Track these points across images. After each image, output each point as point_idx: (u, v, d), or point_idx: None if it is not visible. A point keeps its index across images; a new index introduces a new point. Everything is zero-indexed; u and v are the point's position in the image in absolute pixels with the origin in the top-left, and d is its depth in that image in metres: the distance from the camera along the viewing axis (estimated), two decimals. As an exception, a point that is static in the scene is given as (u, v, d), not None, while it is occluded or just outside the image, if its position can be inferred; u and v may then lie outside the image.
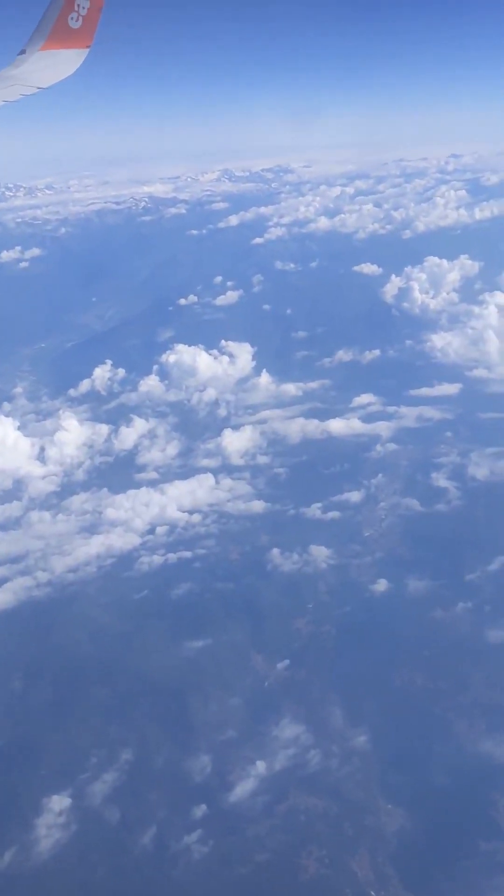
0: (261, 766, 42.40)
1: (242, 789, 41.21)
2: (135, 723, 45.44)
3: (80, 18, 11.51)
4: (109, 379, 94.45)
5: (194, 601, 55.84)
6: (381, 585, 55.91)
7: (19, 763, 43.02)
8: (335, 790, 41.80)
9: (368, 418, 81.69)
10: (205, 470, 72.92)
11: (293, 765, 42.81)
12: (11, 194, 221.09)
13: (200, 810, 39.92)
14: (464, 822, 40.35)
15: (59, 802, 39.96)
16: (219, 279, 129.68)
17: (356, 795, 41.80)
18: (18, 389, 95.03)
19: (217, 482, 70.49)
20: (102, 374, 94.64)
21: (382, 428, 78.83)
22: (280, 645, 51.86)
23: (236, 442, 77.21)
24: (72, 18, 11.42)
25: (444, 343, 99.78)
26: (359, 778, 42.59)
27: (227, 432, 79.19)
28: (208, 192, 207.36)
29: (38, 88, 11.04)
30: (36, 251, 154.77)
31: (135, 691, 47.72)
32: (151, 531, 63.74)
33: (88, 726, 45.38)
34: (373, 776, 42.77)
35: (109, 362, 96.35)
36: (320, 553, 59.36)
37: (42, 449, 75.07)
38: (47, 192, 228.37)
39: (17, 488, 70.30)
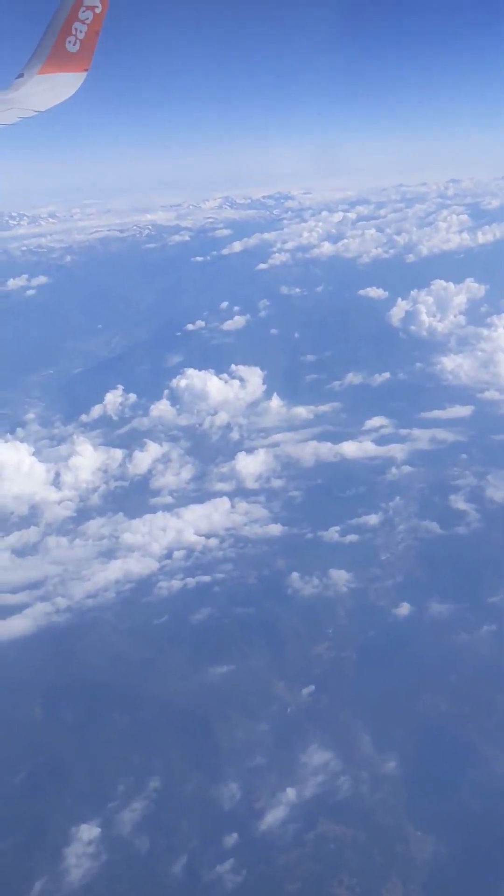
0: (290, 794, 41.88)
1: (273, 817, 40.69)
2: (160, 750, 44.94)
3: (78, 42, 11.66)
4: (121, 404, 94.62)
5: (214, 626, 55.51)
6: (403, 609, 55.59)
7: (45, 791, 42.44)
8: (365, 817, 41.29)
9: (381, 441, 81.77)
10: (220, 494, 72.86)
11: (323, 792, 42.30)
12: (15, 223, 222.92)
13: (231, 839, 39.35)
14: (495, 849, 39.79)
15: (88, 831, 39.42)
16: (225, 304, 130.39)
17: (386, 822, 41.27)
18: (30, 415, 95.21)
19: (232, 506, 70.37)
20: (114, 399, 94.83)
21: (396, 450, 78.87)
22: (302, 670, 51.50)
23: (250, 465, 77.23)
24: (69, 42, 11.61)
25: (454, 365, 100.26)
26: (388, 804, 42.07)
27: (241, 456, 79.21)
28: (211, 220, 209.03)
29: (36, 112, 11.09)
30: (42, 279, 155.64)
31: (159, 718, 47.26)
32: (169, 556, 63.53)
33: (113, 754, 44.89)
34: (402, 803, 42.25)
35: (121, 387, 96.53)
36: (340, 577, 59.11)
37: (57, 474, 75.04)
38: (51, 220, 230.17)
39: (33, 514, 70.15)
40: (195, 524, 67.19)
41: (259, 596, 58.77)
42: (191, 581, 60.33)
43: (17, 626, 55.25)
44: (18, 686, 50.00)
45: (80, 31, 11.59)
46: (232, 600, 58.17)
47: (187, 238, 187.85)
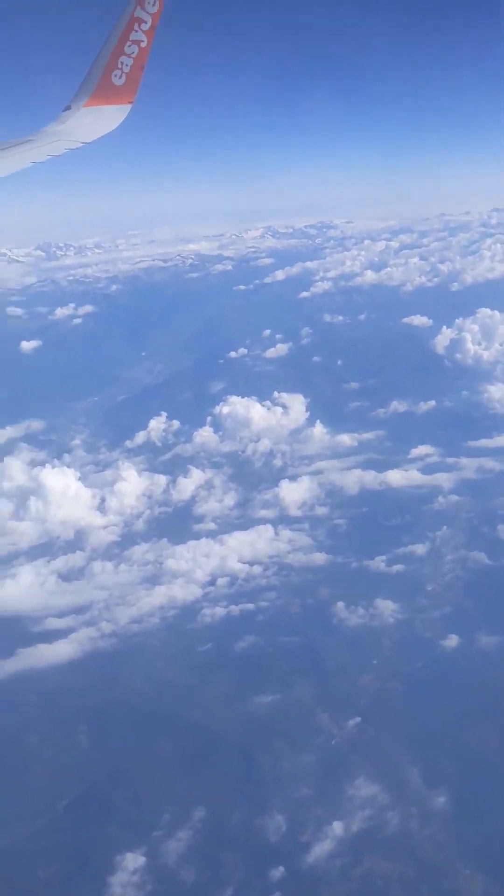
0: (337, 827, 41.06)
1: (320, 850, 39.91)
2: (205, 779, 44.54)
3: (124, 76, 11.99)
4: (164, 430, 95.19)
5: (258, 655, 55.11)
6: (451, 641, 54.59)
7: (89, 819, 42.24)
8: (413, 853, 40.34)
9: (427, 469, 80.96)
10: (263, 521, 72.62)
11: (370, 826, 41.40)
12: (62, 253, 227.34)
13: (278, 872, 38.67)
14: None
15: (133, 860, 39.06)
16: (267, 332, 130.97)
17: (435, 859, 40.26)
18: (76, 441, 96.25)
19: (276, 533, 70.09)
20: (157, 425, 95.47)
21: (443, 479, 77.98)
22: (348, 701, 50.71)
23: (293, 493, 76.95)
24: (115, 75, 11.94)
25: (501, 394, 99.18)
26: (437, 841, 41.05)
27: (284, 483, 79.04)
28: (253, 249, 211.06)
29: (82, 143, 11.37)
30: (88, 308, 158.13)
31: (203, 746, 46.91)
32: (212, 582, 63.38)
33: (158, 782, 44.59)
34: (451, 839, 41.20)
35: (164, 414, 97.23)
36: (386, 607, 58.37)
37: (102, 500, 75.61)
38: (96, 250, 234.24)
39: (79, 539, 70.63)
40: (239, 551, 67.01)
41: (303, 625, 58.27)
42: (234, 608, 60.05)
43: (62, 650, 55.47)
44: (64, 711, 50.07)
45: (126, 65, 11.91)
46: (276, 629, 57.74)
47: (230, 267, 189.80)
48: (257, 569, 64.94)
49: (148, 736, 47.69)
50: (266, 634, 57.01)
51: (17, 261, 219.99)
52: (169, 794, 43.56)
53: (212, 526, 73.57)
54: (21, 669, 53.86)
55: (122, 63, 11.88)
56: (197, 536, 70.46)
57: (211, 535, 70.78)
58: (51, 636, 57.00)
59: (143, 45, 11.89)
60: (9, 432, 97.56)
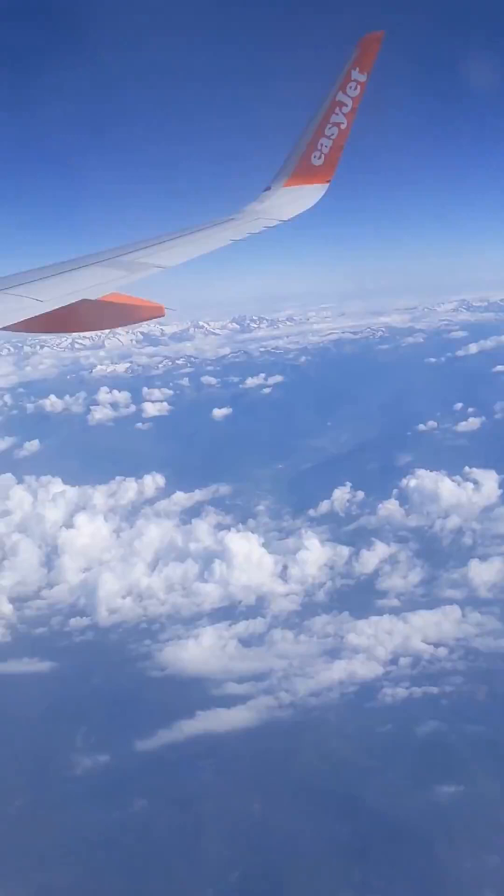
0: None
1: None
2: (381, 869, 42.43)
3: (323, 157, 12.42)
4: (349, 501, 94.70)
5: (441, 742, 52.43)
6: None
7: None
8: None
9: None
10: (450, 601, 69.74)
11: None
12: (256, 325, 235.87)
13: None
14: None
15: None
16: (459, 406, 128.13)
17: None
18: (261, 507, 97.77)
19: (463, 615, 67.02)
20: (342, 495, 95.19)
21: None
22: (539, 801, 46.86)
23: (483, 573, 73.56)
24: (315, 156, 12.41)
25: None
26: None
27: (474, 562, 75.77)
28: (446, 322, 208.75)
29: (280, 221, 11.67)
30: (278, 378, 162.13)
31: (380, 833, 44.86)
32: (394, 661, 61.38)
33: (331, 865, 42.99)
34: None
35: (349, 484, 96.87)
36: None
37: (285, 567, 75.96)
38: (288, 323, 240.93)
39: (260, 605, 71.13)
40: (423, 631, 64.68)
41: (491, 714, 54.92)
42: (417, 691, 57.72)
43: (240, 716, 55.49)
44: (239, 779, 49.81)
45: (326, 146, 12.38)
46: (461, 716, 54.80)
47: (421, 340, 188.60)
48: (442, 651, 62.32)
49: (323, 815, 46.33)
50: (450, 721, 54.25)
51: (214, 333, 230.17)
52: (343, 879, 41.91)
53: (395, 602, 71.63)
54: (200, 732, 54.38)
55: (321, 145, 12.36)
56: (379, 612, 68.78)
57: (394, 611, 68.86)
58: (230, 701, 57.25)
59: (342, 127, 12.35)
60: (197, 495, 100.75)
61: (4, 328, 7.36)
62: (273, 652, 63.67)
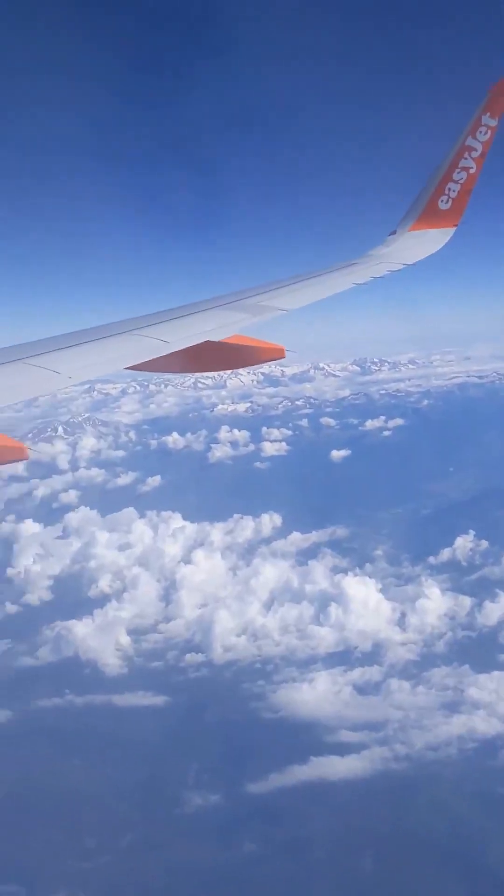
0: None
1: None
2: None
3: (450, 201, 12.42)
4: (471, 550, 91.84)
5: None
6: None
7: None
8: None
9: None
10: None
11: None
12: (377, 368, 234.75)
13: None
14: None
15: None
16: None
17: None
18: (379, 552, 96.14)
19: None
20: (464, 544, 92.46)
21: None
22: None
23: None
24: (442, 201, 12.44)
25: None
26: None
27: None
28: None
29: (404, 265, 11.63)
30: (399, 421, 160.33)
31: (499, 901, 42.45)
32: (518, 719, 58.52)
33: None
34: None
35: (472, 532, 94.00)
36: None
37: (403, 615, 74.24)
38: (410, 366, 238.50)
39: (376, 652, 69.60)
40: (550, 691, 61.47)
41: None
42: (543, 755, 54.71)
43: (354, 766, 54.15)
44: (350, 830, 48.47)
45: (453, 191, 12.41)
46: None
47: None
48: None
49: (438, 875, 44.33)
50: None
51: (334, 375, 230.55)
52: None
53: (519, 657, 68.52)
54: (313, 779, 53.41)
55: (449, 189, 12.41)
56: (502, 667, 65.89)
57: (519, 667, 65.85)
58: (344, 749, 56.02)
59: (471, 171, 12.35)
60: (314, 536, 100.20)
61: (131, 367, 7.63)
62: (389, 702, 62.02)
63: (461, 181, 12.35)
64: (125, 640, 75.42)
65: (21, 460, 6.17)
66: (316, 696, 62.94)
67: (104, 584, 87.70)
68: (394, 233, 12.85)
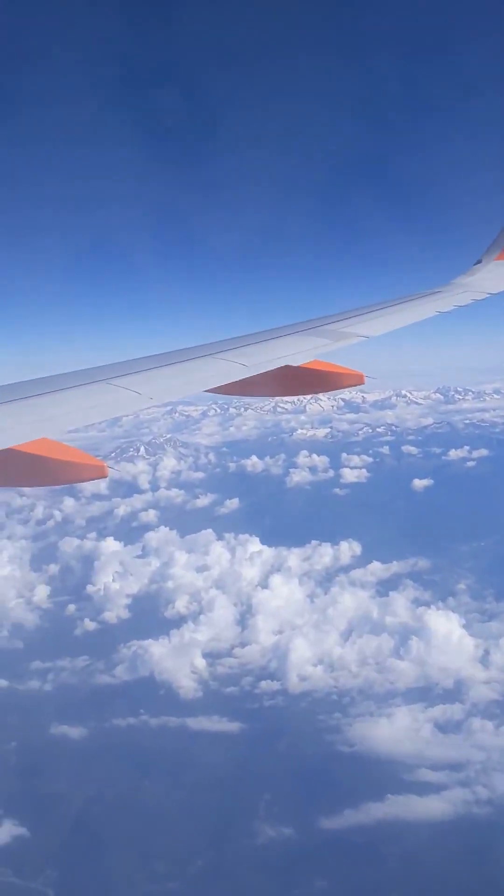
0: None
1: None
2: None
3: None
4: None
5: None
6: None
7: None
8: None
9: None
10: None
11: None
12: (461, 397, 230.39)
13: None
14: None
15: None
16: None
17: None
18: (461, 586, 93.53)
19: None
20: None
21: None
22: None
23: None
24: None
25: None
26: None
27: None
28: None
29: (489, 294, 11.46)
30: (483, 451, 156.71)
31: None
32: None
33: None
34: None
35: None
36: None
37: (486, 652, 71.65)
38: (495, 396, 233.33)
39: (457, 689, 67.34)
40: None
41: None
42: None
43: (434, 807, 52.29)
44: (430, 874, 46.58)
45: None
46: None
47: None
48: None
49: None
50: None
51: (416, 403, 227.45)
52: None
53: None
54: (389, 817, 51.77)
55: None
56: None
57: None
58: (423, 789, 54.23)
59: None
60: (395, 567, 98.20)
61: (211, 390, 7.73)
62: (471, 742, 59.81)
63: None
64: (200, 663, 75.13)
65: (101, 478, 6.23)
66: (394, 732, 61.17)
67: (181, 605, 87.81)
68: (479, 262, 12.67)
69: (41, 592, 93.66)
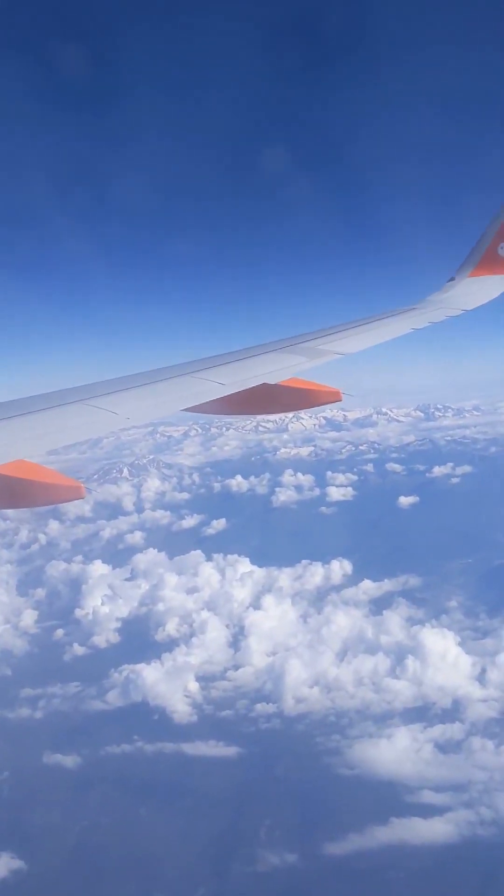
0: None
1: None
2: None
3: None
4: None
5: None
6: None
7: None
8: None
9: None
10: None
11: None
12: (440, 414, 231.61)
13: None
14: None
15: None
16: None
17: None
18: (453, 603, 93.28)
19: None
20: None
21: None
22: None
23: None
24: (501, 247, 12.36)
25: None
26: None
27: None
28: None
29: (463, 311, 11.67)
30: (467, 468, 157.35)
31: None
32: None
33: None
34: None
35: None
36: None
37: (483, 670, 71.23)
38: (475, 413, 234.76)
39: (456, 708, 66.85)
40: None
41: None
42: None
43: (438, 829, 51.69)
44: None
45: None
46: None
47: None
48: None
49: None
50: None
51: (397, 420, 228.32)
52: None
53: None
54: (394, 841, 51.03)
55: None
56: None
57: None
58: (426, 811, 53.62)
59: None
60: (387, 585, 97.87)
61: (189, 409, 7.75)
62: (472, 762, 59.29)
63: None
64: (194, 686, 74.12)
65: (78, 499, 6.29)
66: (395, 753, 60.50)
67: (172, 627, 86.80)
68: (453, 279, 12.80)
69: (28, 617, 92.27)
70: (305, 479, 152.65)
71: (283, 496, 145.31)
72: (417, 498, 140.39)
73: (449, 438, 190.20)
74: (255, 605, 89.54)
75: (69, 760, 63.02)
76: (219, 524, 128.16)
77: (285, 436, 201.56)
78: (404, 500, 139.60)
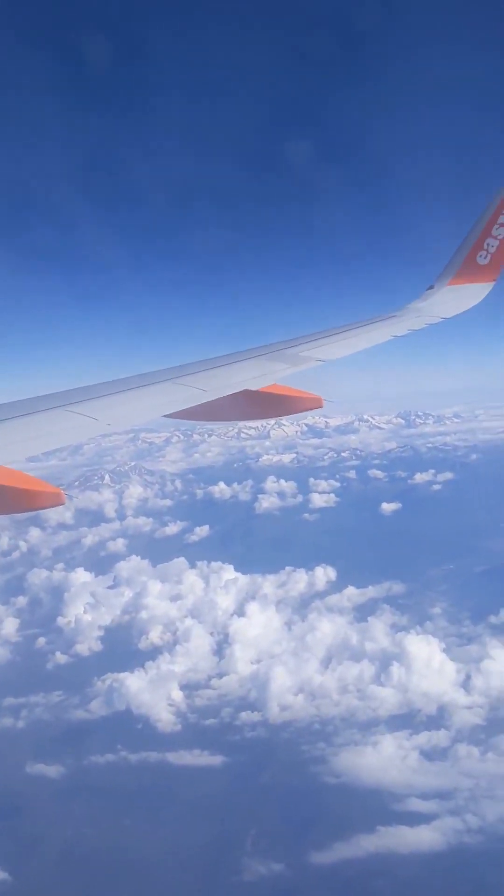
0: None
1: None
2: None
3: (489, 256, 12.59)
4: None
5: None
6: None
7: None
8: None
9: None
10: None
11: None
12: (421, 422, 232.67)
13: None
14: None
15: None
16: None
17: None
18: (437, 610, 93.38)
19: None
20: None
21: None
22: None
23: None
24: (480, 256, 12.61)
25: None
26: None
27: None
28: None
29: (442, 318, 11.93)
30: (448, 475, 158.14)
31: None
32: None
33: None
34: None
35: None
36: None
37: (467, 676, 71.30)
38: (455, 420, 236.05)
39: (441, 715, 66.82)
40: None
41: None
42: None
43: (425, 837, 51.57)
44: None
45: (492, 246, 12.52)
46: None
47: None
48: None
49: None
50: None
51: (378, 427, 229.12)
52: None
53: None
54: (381, 850, 50.89)
55: (488, 244, 12.52)
56: None
57: None
58: (413, 819, 53.48)
59: None
60: (371, 592, 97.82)
61: (169, 415, 7.81)
62: (458, 769, 59.25)
63: (500, 237, 12.46)
64: (178, 695, 73.63)
65: (58, 505, 6.28)
66: (381, 760, 60.37)
67: (155, 635, 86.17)
68: (432, 287, 13.00)
69: (10, 626, 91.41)
70: (288, 486, 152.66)
71: (266, 503, 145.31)
72: (400, 504, 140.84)
73: (430, 445, 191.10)
74: (240, 612, 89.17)
75: (53, 770, 62.39)
76: (202, 531, 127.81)
77: (267, 442, 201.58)
78: (387, 507, 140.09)
